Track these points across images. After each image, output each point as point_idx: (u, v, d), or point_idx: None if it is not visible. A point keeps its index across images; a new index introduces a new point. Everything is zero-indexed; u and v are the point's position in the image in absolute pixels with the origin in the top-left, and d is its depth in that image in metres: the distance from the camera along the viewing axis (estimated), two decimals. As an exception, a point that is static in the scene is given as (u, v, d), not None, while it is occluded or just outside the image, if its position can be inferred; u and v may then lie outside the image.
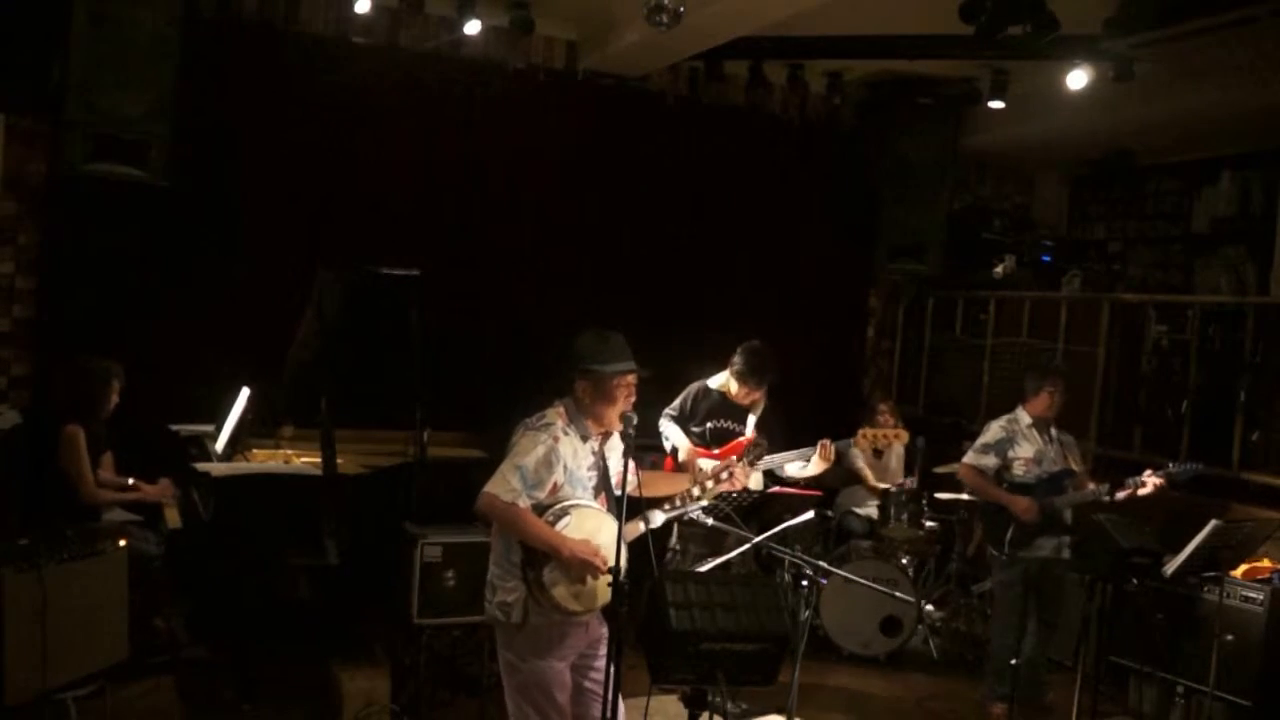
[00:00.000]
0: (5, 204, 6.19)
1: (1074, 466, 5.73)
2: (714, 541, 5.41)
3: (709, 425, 5.63)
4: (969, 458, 5.81)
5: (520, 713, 3.75)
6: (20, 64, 5.98)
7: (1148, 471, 5.44)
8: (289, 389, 5.68)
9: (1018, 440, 5.70)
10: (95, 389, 5.40)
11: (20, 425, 5.89)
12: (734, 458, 5.21)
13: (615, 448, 3.96)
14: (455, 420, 6.18)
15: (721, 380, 5.67)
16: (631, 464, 3.69)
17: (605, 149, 7.57)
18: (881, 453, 7.36)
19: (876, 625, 6.45)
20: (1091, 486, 5.59)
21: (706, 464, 5.46)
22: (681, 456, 5.50)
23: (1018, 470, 5.67)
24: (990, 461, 5.72)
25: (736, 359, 5.57)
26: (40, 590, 3.94)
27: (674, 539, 5.64)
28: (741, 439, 5.57)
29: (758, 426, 5.61)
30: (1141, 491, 5.40)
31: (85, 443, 5.29)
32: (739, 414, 5.64)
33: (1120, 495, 5.45)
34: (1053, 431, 5.74)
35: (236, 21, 6.53)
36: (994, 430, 5.78)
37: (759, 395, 5.60)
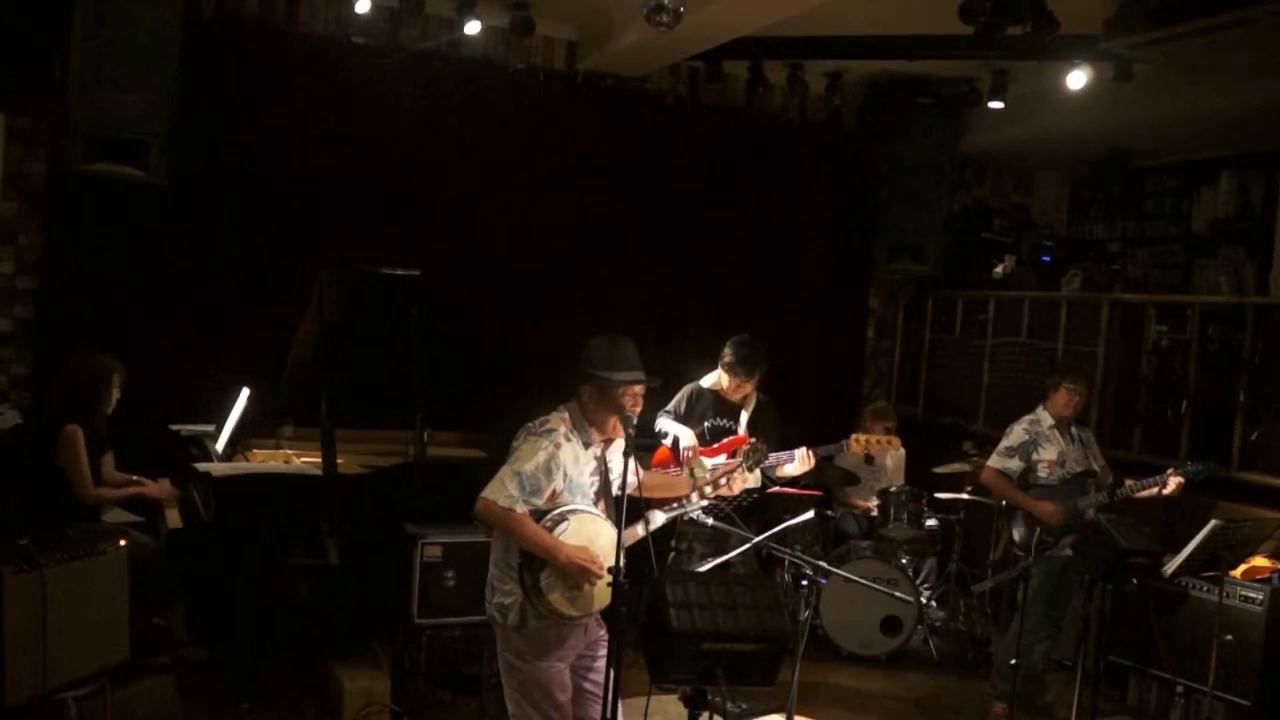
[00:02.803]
0: (5, 204, 6.19)
1: (1094, 465, 5.73)
2: (719, 540, 5.42)
3: (706, 425, 5.63)
4: (993, 461, 5.80)
5: (520, 713, 3.76)
6: (20, 64, 5.99)
7: (1169, 471, 5.45)
8: (289, 389, 5.67)
9: (1041, 443, 5.70)
10: (95, 386, 5.38)
11: (20, 425, 5.89)
12: (733, 461, 5.20)
13: (617, 452, 3.96)
14: (455, 420, 6.18)
15: (714, 379, 5.68)
16: (632, 463, 3.68)
17: (605, 149, 7.57)
18: (873, 458, 7.29)
19: (876, 625, 6.46)
20: (1130, 484, 5.60)
21: (707, 461, 5.47)
22: (684, 443, 5.48)
23: (1041, 472, 5.68)
24: (1014, 465, 5.71)
25: (726, 351, 5.59)
26: (40, 590, 3.94)
27: (675, 538, 5.64)
28: (736, 436, 5.57)
29: (750, 425, 5.59)
30: (1166, 491, 5.43)
31: (85, 442, 5.27)
32: (733, 411, 5.65)
33: (1142, 494, 5.46)
34: (1074, 430, 5.75)
35: (236, 21, 6.53)
36: (1017, 433, 5.77)
37: (749, 388, 5.60)
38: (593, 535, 3.72)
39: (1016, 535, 5.86)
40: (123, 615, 4.37)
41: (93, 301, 6.21)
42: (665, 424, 5.63)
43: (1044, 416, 5.75)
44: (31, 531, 4.31)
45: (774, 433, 5.46)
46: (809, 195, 8.36)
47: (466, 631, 5.19)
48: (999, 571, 7.08)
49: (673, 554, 5.61)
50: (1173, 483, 5.42)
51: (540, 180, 7.39)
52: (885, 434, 7.18)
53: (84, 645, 4.17)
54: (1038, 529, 5.55)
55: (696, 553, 5.51)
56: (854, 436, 5.45)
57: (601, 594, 3.69)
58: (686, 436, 5.51)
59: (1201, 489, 5.95)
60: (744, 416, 5.63)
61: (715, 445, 5.56)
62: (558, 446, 3.71)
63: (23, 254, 6.26)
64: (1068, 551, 5.55)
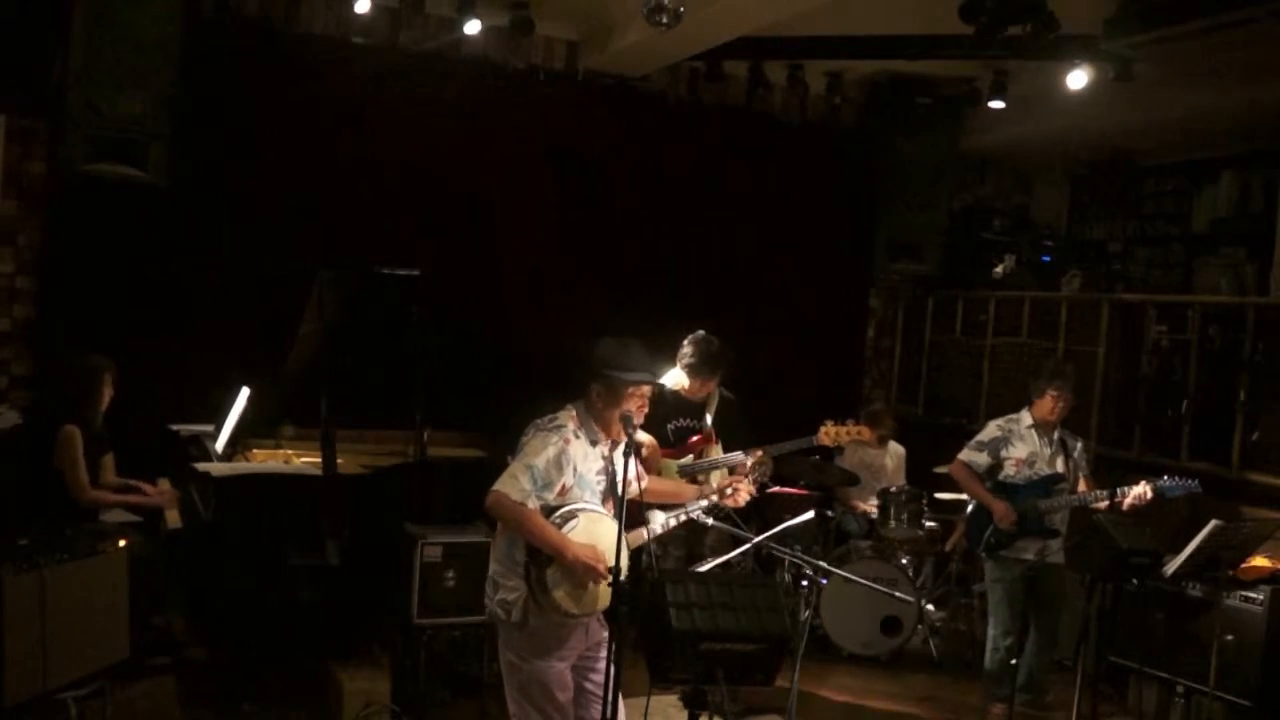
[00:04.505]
0: (5, 204, 6.20)
1: (1069, 471, 5.68)
2: (692, 543, 5.40)
3: (670, 426, 5.48)
4: (962, 453, 5.82)
5: (521, 712, 3.76)
6: (20, 64, 5.99)
7: (1142, 482, 5.37)
8: (289, 389, 5.68)
9: (1013, 440, 5.68)
10: (87, 386, 5.35)
11: (20, 425, 5.89)
12: (738, 475, 5.16)
13: (622, 454, 3.95)
14: (455, 420, 6.18)
15: (674, 379, 5.51)
16: (639, 468, 3.68)
17: (605, 149, 7.57)
18: (842, 449, 7.22)
19: (876, 625, 6.45)
20: (1082, 490, 5.58)
21: (671, 464, 5.41)
22: (644, 452, 5.36)
23: (1009, 470, 5.66)
24: (982, 459, 5.71)
25: (686, 351, 5.44)
26: (40, 590, 3.94)
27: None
28: (699, 436, 5.51)
29: (715, 424, 5.52)
30: (1126, 503, 5.26)
31: (83, 443, 5.27)
32: (697, 411, 5.54)
33: (1104, 504, 5.38)
34: (1056, 434, 5.72)
35: (236, 21, 6.54)
36: (990, 428, 5.78)
37: (711, 387, 5.51)
38: (600, 535, 3.72)
39: (965, 529, 5.87)
40: (123, 615, 4.37)
41: (93, 301, 6.21)
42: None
43: (1024, 417, 5.72)
44: (31, 531, 4.31)
45: (742, 431, 5.41)
46: (809, 195, 8.36)
47: (466, 631, 5.19)
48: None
49: (645, 556, 5.56)
50: (1134, 495, 5.26)
51: (540, 180, 7.39)
52: (879, 440, 7.19)
53: (84, 645, 4.17)
54: (991, 526, 5.54)
55: (671, 556, 5.46)
56: (823, 430, 5.40)
57: (605, 593, 3.69)
58: (647, 443, 5.41)
59: (1204, 490, 5.93)
60: (708, 416, 5.55)
61: (680, 447, 5.49)
62: (567, 442, 3.73)
63: (23, 254, 6.26)
64: (1026, 555, 5.51)
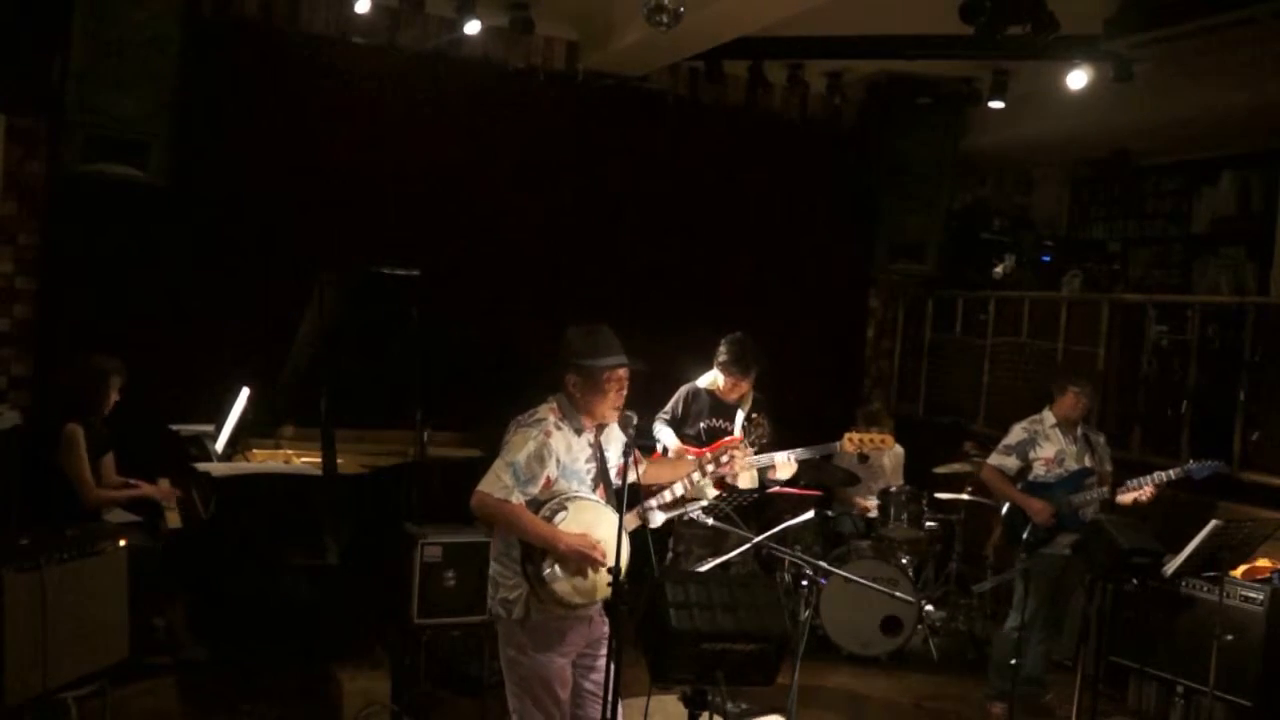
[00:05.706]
0: (5, 204, 6.19)
1: (1096, 464, 5.74)
2: (716, 542, 5.41)
3: (702, 426, 5.59)
4: (992, 459, 5.89)
5: (522, 707, 3.77)
6: (20, 64, 5.98)
7: (1157, 473, 5.47)
8: (289, 389, 5.68)
9: (1039, 441, 5.75)
10: (95, 387, 5.39)
11: (20, 425, 5.89)
12: (733, 438, 5.18)
13: (613, 439, 3.97)
14: (455, 420, 6.18)
15: (710, 379, 5.65)
16: (636, 452, 3.69)
17: (605, 149, 7.57)
18: (868, 457, 7.27)
19: (876, 625, 6.46)
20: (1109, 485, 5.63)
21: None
22: (671, 455, 5.47)
23: (1038, 470, 5.73)
24: (1011, 463, 5.78)
25: (721, 350, 5.56)
26: (40, 590, 3.94)
27: (672, 540, 5.62)
28: (731, 437, 5.54)
29: (745, 426, 5.56)
30: (1144, 497, 5.44)
31: (86, 442, 5.28)
32: (729, 412, 5.62)
33: (1123, 497, 5.47)
34: (1079, 430, 5.79)
35: (236, 21, 6.54)
36: (1016, 432, 5.84)
37: (745, 387, 5.57)
38: (592, 522, 3.73)
39: (1004, 531, 5.92)
40: (123, 615, 4.37)
41: (93, 301, 6.21)
42: (660, 430, 5.61)
43: (1047, 416, 5.80)
44: (31, 531, 4.31)
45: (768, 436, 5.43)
46: (809, 195, 8.36)
47: (466, 631, 5.20)
48: (996, 570, 7.08)
49: (670, 555, 5.59)
50: (1148, 488, 5.46)
51: (540, 180, 7.39)
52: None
53: (84, 645, 4.17)
54: (1029, 525, 5.58)
55: (694, 554, 5.49)
56: (847, 436, 5.42)
57: (605, 581, 3.70)
58: (675, 449, 5.48)
59: (1202, 489, 5.95)
60: (739, 417, 5.60)
61: (708, 447, 5.53)
62: (548, 435, 3.74)
63: (23, 254, 6.25)
64: (1065, 550, 5.58)
